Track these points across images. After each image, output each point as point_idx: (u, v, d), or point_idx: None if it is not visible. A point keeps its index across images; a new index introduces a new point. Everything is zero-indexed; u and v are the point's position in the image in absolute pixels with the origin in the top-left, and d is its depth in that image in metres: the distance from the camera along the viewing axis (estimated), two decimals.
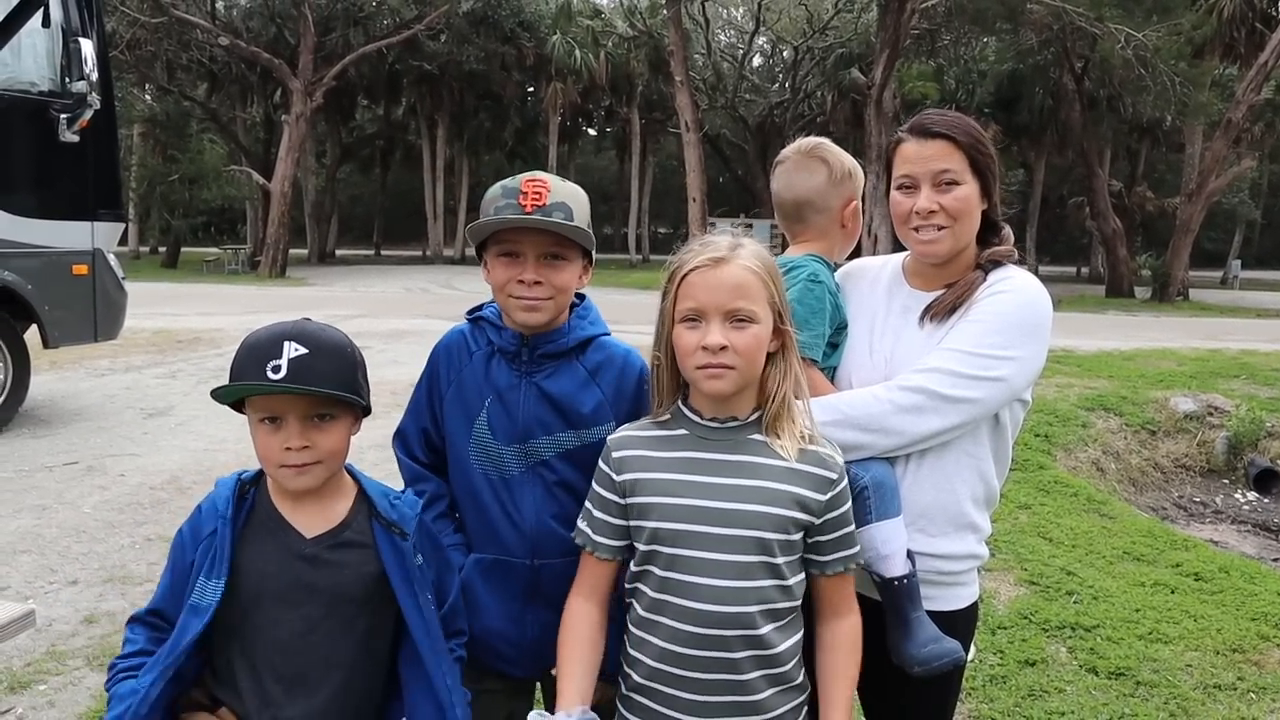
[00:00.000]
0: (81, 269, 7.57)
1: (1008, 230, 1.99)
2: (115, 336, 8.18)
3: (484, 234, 1.79)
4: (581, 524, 1.73)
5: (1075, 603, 4.51)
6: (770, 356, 1.62)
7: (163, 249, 38.65)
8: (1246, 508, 8.16)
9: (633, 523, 1.65)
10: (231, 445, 7.03)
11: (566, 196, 1.79)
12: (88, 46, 7.19)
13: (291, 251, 34.19)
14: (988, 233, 1.96)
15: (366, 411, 1.68)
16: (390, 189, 55.30)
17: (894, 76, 27.95)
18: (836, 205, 2.07)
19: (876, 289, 2.05)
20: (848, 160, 2.08)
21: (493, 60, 39.81)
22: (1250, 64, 26.92)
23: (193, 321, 15.04)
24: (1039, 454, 7.38)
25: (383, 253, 52.28)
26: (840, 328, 1.99)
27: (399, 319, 16.07)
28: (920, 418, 1.79)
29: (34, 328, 7.46)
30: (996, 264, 1.92)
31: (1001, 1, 26.65)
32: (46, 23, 7.07)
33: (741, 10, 45.53)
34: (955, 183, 1.86)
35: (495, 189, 1.82)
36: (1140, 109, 31.93)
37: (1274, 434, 8.84)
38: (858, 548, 1.67)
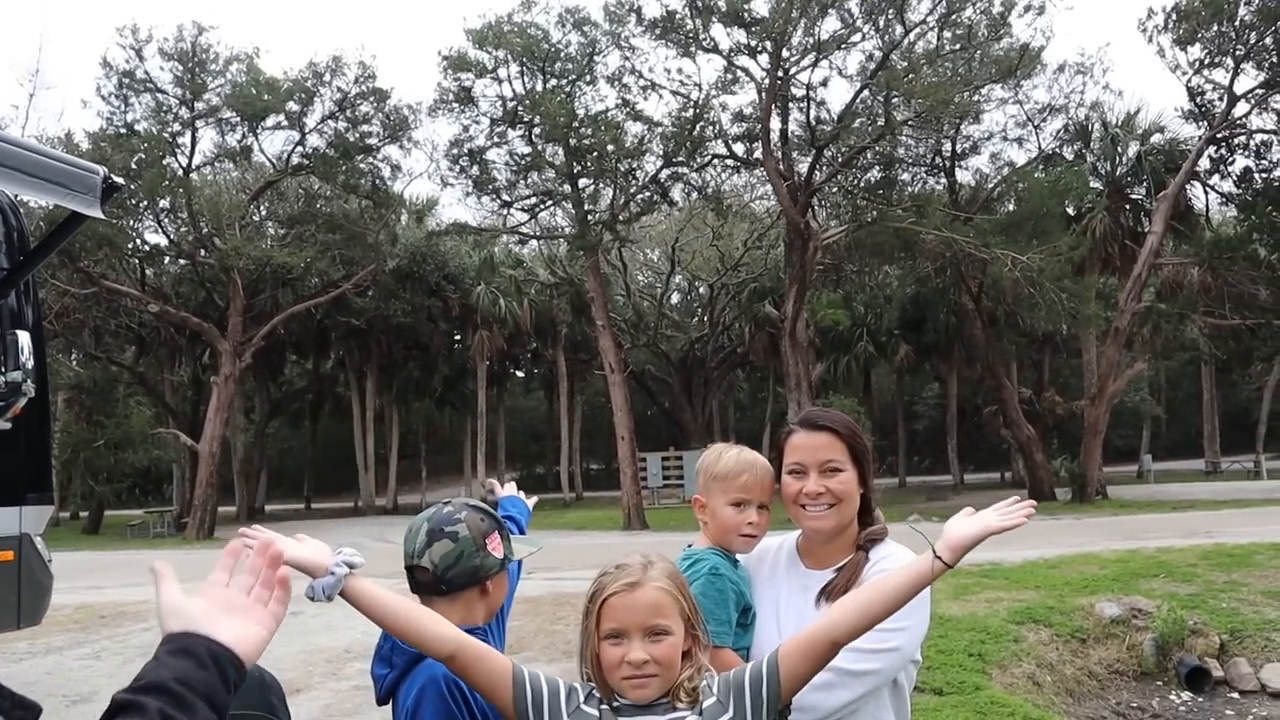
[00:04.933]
0: (7, 555, 7.45)
1: (879, 511, 2.32)
2: (39, 622, 7.92)
3: None
4: None
5: None
6: (685, 654, 1.84)
7: (84, 514, 37.52)
8: (1183, 709, 8.27)
9: None
10: None
11: None
12: (24, 338, 7.32)
13: (220, 509, 33.47)
14: (864, 513, 2.27)
15: None
16: (320, 440, 55.00)
17: (805, 307, 29.60)
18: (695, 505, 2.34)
19: (776, 572, 2.32)
20: (700, 462, 2.34)
21: (419, 312, 40.83)
22: (1127, 275, 29.30)
23: (117, 594, 14.53)
24: (974, 674, 7.46)
25: (313, 505, 51.25)
26: (745, 609, 2.22)
27: None
28: (831, 693, 2.04)
29: None
30: (875, 542, 2.23)
31: (896, 234, 28.81)
32: None
33: (657, 253, 48.01)
34: (838, 469, 2.19)
35: None
36: (1035, 323, 34.05)
37: (1198, 631, 9.09)
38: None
